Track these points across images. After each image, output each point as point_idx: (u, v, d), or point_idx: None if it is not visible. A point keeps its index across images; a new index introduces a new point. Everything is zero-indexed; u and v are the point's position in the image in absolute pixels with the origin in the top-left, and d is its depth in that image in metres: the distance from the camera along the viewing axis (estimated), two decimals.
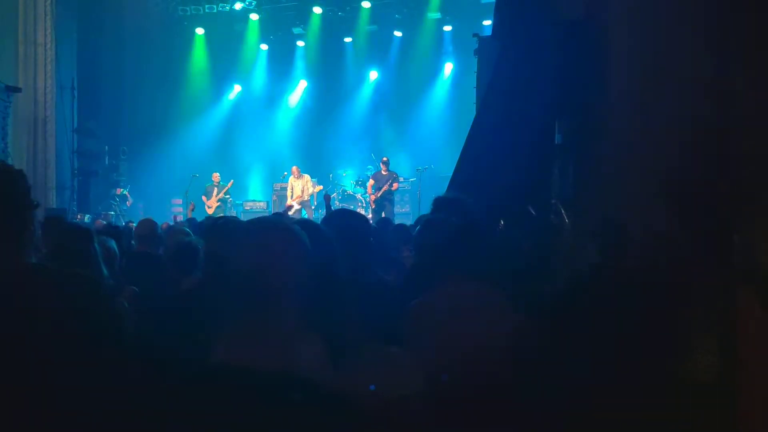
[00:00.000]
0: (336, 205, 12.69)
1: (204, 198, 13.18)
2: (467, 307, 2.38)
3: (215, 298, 1.61)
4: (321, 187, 13.05)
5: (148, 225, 4.71)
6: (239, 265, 1.49)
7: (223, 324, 1.55)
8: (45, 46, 11.79)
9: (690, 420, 1.97)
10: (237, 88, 16.43)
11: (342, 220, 2.77)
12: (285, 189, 13.40)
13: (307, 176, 13.03)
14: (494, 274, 2.59)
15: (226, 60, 15.99)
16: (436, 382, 2.05)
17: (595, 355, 2.06)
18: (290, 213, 11.97)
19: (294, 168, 13.11)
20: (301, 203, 12.75)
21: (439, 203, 3.31)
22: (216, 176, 13.43)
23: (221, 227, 2.96)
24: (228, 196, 13.53)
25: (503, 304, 2.44)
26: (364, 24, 15.28)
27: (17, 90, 11.02)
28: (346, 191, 13.99)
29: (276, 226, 1.59)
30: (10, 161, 10.02)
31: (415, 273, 2.90)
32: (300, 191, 12.83)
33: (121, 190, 13.85)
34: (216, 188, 13.27)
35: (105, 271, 3.00)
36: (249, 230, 1.61)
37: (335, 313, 1.75)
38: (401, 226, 5.45)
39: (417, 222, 5.27)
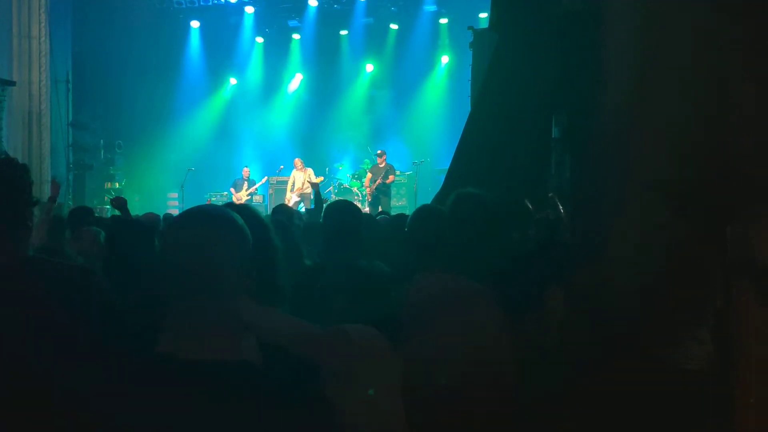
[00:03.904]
0: (332, 198, 12.67)
1: (233, 190, 13.42)
2: (452, 301, 2.35)
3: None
4: (321, 178, 13.00)
5: (151, 218, 4.74)
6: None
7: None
8: (39, 39, 11.72)
9: (687, 414, 1.98)
10: (233, 81, 16.36)
11: (333, 211, 2.94)
12: (282, 183, 13.38)
13: (310, 170, 12.96)
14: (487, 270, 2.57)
15: (222, 53, 15.91)
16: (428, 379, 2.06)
17: (592, 352, 2.07)
18: (289, 205, 11.93)
19: (297, 160, 13.05)
20: (301, 195, 12.70)
21: (461, 198, 3.28)
22: (246, 171, 13.65)
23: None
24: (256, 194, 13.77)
25: (489, 300, 2.41)
26: (360, 17, 15.24)
27: (11, 83, 10.97)
28: (342, 185, 13.95)
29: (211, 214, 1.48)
30: None
31: (408, 261, 2.89)
32: (301, 184, 12.78)
33: (118, 184, 13.82)
34: (246, 183, 13.45)
35: None
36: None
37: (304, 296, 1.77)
38: (401, 216, 5.41)
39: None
